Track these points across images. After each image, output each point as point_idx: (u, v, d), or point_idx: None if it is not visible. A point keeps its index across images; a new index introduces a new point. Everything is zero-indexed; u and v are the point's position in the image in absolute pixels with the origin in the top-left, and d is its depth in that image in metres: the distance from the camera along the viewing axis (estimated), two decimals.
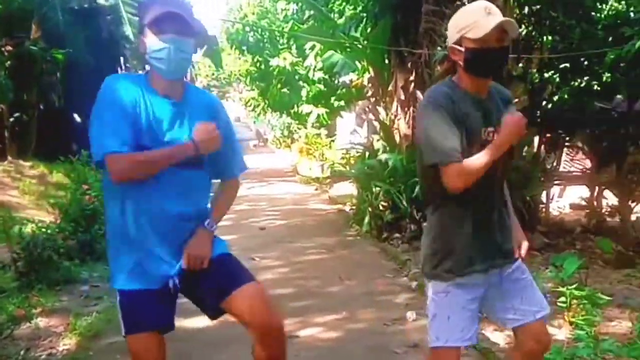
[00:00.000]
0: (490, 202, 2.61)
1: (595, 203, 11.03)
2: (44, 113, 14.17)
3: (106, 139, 2.36)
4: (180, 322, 3.03)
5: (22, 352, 4.49)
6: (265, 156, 28.30)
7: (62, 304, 5.77)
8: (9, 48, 13.56)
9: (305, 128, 23.25)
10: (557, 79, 9.69)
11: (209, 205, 2.79)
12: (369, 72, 12.07)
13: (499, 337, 4.66)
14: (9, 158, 13.35)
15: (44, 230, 6.98)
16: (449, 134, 2.41)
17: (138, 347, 2.57)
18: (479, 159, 2.40)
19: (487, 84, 2.59)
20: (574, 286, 5.18)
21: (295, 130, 27.23)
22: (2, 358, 4.38)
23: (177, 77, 2.53)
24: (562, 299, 5.07)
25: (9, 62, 13.41)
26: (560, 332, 4.81)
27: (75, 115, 15.63)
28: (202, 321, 4.46)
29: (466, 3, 9.32)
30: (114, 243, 2.61)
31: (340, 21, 12.64)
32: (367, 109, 13.02)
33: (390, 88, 10.60)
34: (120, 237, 2.56)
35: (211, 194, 2.88)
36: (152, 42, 2.41)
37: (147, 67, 2.59)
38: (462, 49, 2.47)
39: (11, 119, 13.75)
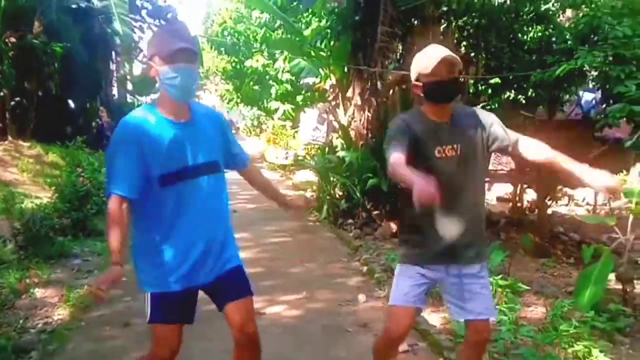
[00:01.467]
0: (457, 209, 2.72)
1: (517, 198, 11.32)
2: (42, 99, 13.85)
3: (116, 182, 2.42)
4: None
5: (21, 321, 4.45)
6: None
7: (56, 276, 5.70)
8: (13, 40, 13.18)
9: (273, 120, 23.16)
10: (489, 92, 9.89)
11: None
12: (331, 79, 12.09)
13: (435, 319, 4.75)
14: (9, 138, 13.02)
15: (42, 208, 6.84)
16: (395, 143, 2.59)
17: (160, 333, 2.62)
18: (398, 167, 2.47)
19: (447, 109, 2.72)
20: (499, 276, 5.32)
21: (263, 122, 27.07)
22: (4, 326, 4.32)
23: (188, 99, 2.54)
24: (490, 287, 5.20)
25: (12, 53, 13.04)
26: None
27: (70, 102, 15.35)
28: None
29: (416, 24, 9.48)
30: (144, 255, 2.60)
31: (307, 33, 12.57)
32: (327, 110, 13.02)
33: (348, 94, 10.64)
34: (159, 244, 2.54)
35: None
36: (166, 70, 2.40)
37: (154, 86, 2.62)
38: (420, 84, 2.68)
39: (12, 103, 13.39)
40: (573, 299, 4.97)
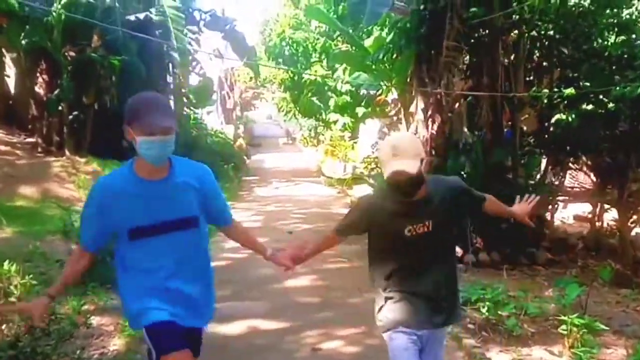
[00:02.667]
0: (428, 278, 2.96)
1: (597, 219, 10.97)
2: (98, 113, 14.38)
3: (82, 236, 2.85)
4: (214, 329, 3.16)
5: (78, 352, 4.61)
6: (293, 155, 28.33)
7: (112, 303, 5.88)
8: (72, 54, 13.78)
9: (331, 130, 23.30)
10: (564, 105, 9.66)
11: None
12: (392, 93, 12.10)
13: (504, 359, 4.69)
14: (67, 154, 13.55)
15: None
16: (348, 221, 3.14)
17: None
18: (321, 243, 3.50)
19: (417, 192, 2.85)
20: (575, 315, 5.18)
21: (321, 132, 27.26)
22: (61, 356, 4.50)
23: (162, 164, 2.71)
24: (563, 326, 5.08)
25: (70, 67, 13.62)
26: (560, 359, 4.80)
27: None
28: (236, 328, 4.57)
29: (486, 39, 9.38)
30: (129, 290, 2.83)
31: (368, 43, 12.61)
32: (388, 125, 13.04)
33: (411, 109, 10.62)
34: (137, 290, 2.78)
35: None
36: (142, 139, 2.56)
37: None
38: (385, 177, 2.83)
39: (70, 117, 13.95)
40: None
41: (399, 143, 2.81)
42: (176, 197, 2.73)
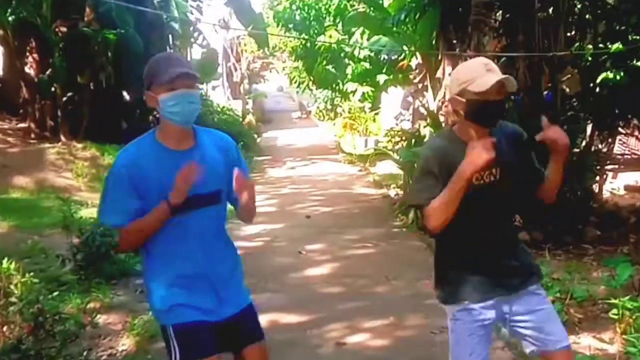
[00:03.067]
0: (492, 238, 2.82)
1: None
2: (94, 93, 14.41)
3: (107, 213, 2.74)
4: None
5: (85, 353, 4.69)
6: (308, 130, 28.29)
7: (119, 299, 6.00)
8: (63, 29, 13.78)
9: (349, 101, 23.23)
10: (611, 63, 9.54)
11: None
12: (417, 57, 12.01)
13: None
14: (62, 139, 13.62)
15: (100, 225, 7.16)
16: (425, 185, 2.74)
17: None
18: (439, 197, 2.66)
19: (486, 132, 2.71)
20: (627, 298, 5.15)
21: (339, 104, 27.20)
22: (67, 358, 4.59)
23: (189, 124, 2.73)
24: (614, 310, 5.06)
25: (62, 44, 13.63)
26: (611, 347, 4.80)
27: (125, 93, 15.86)
28: None
29: None
30: (155, 276, 2.80)
31: (387, 4, 12.50)
32: (413, 94, 12.97)
33: (438, 74, 10.56)
34: (163, 280, 2.77)
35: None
36: (165, 97, 2.60)
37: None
38: (464, 100, 2.66)
39: (64, 99, 14.00)
40: None
41: (487, 60, 2.74)
42: (206, 168, 2.69)
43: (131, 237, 2.71)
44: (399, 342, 4.95)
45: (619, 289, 5.85)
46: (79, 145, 13.36)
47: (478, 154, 2.55)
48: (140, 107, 14.86)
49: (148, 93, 2.67)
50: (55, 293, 5.66)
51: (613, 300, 5.13)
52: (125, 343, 4.96)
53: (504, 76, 2.63)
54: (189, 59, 19.21)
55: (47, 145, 13.22)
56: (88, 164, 12.21)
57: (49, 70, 13.72)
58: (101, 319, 5.42)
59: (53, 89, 13.87)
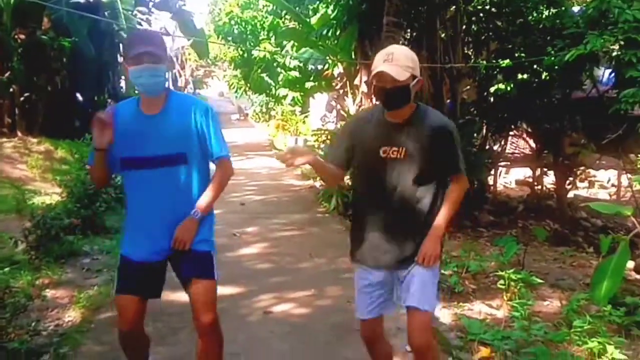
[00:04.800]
0: (390, 211, 2.79)
1: (536, 182, 11.23)
2: (50, 94, 13.94)
3: (91, 155, 2.90)
4: (170, 297, 3.13)
5: (33, 324, 4.48)
6: (246, 130, 27.97)
7: (67, 277, 5.73)
8: (22, 36, 13.30)
9: (282, 105, 23.12)
10: (502, 76, 9.81)
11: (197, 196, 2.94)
12: (338, 67, 12.04)
13: (446, 315, 4.76)
14: (19, 134, 13.12)
15: (52, 208, 6.88)
16: (338, 144, 2.97)
17: (119, 304, 2.94)
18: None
19: (400, 113, 2.73)
20: (512, 270, 5.29)
21: (272, 108, 27.02)
22: (16, 329, 4.36)
23: (153, 94, 2.80)
24: (502, 281, 5.19)
25: (21, 49, 13.14)
26: (499, 312, 4.91)
27: (78, 95, 15.42)
28: None
29: (424, 15, 9.39)
30: (127, 222, 2.99)
31: (315, 20, 12.48)
32: (335, 98, 13.00)
33: (356, 82, 10.63)
34: (129, 219, 2.96)
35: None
36: (132, 69, 2.72)
37: None
38: (373, 85, 2.74)
39: (21, 99, 13.48)
40: (589, 292, 4.94)
41: (393, 50, 2.70)
42: (167, 132, 2.78)
43: (93, 177, 3.06)
44: (319, 311, 4.92)
45: (507, 264, 6.02)
46: (34, 140, 12.83)
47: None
48: (92, 107, 14.44)
49: (123, 64, 2.81)
50: (7, 269, 5.43)
51: (501, 273, 5.27)
52: (72, 315, 4.73)
53: (380, 69, 2.62)
54: None
55: (4, 139, 12.62)
56: (42, 157, 11.71)
57: (8, 72, 13.18)
58: (49, 293, 5.21)
59: (11, 89, 13.41)
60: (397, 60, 2.62)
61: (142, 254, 2.89)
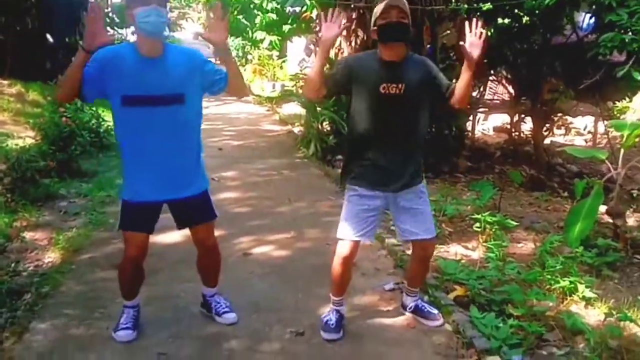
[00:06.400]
0: (391, 140, 3.19)
1: (514, 129, 11.34)
2: (19, 34, 13.51)
3: (83, 87, 2.91)
4: (152, 239, 3.24)
5: (13, 265, 4.55)
6: None
7: (44, 219, 5.75)
8: None
9: (259, 50, 22.76)
10: (483, 20, 9.72)
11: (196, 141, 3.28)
12: (317, 9, 11.83)
13: None
14: None
15: (27, 150, 6.82)
16: (335, 70, 3.25)
17: (127, 235, 3.22)
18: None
19: (398, 51, 3.11)
20: (487, 213, 5.44)
21: (249, 52, 26.59)
22: None
23: (158, 36, 2.98)
24: (478, 224, 5.33)
25: None
26: (474, 253, 5.04)
27: (48, 36, 14.97)
28: (172, 237, 4.58)
29: None
30: (125, 166, 3.18)
31: None
32: (314, 42, 12.82)
33: None
34: (128, 161, 3.15)
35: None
36: (139, 10, 2.86)
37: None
38: (375, 28, 3.08)
39: None
40: (563, 234, 5.10)
41: None
42: (167, 74, 2.99)
43: (62, 84, 2.94)
44: (299, 252, 5.02)
45: (483, 207, 6.15)
46: (5, 82, 12.50)
47: (327, 27, 3.01)
48: (63, 48, 14.08)
49: (128, 14, 2.91)
50: None
51: (477, 216, 5.41)
52: (51, 256, 4.78)
53: (390, 2, 3.01)
54: (109, 5, 18.25)
55: None
56: (13, 100, 11.44)
57: None
58: (28, 235, 5.25)
59: None
60: (399, 2, 3.04)
61: (144, 194, 3.13)
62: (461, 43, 3.04)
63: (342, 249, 3.34)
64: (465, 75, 3.09)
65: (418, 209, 3.31)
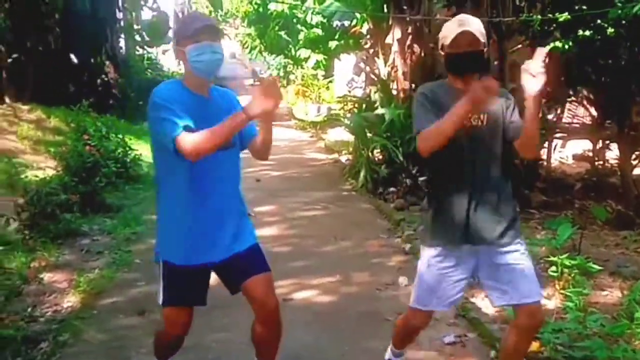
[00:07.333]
0: (480, 182, 2.95)
1: (597, 157, 11.08)
2: (42, 55, 14.04)
3: (170, 127, 2.76)
4: None
5: (29, 309, 4.66)
6: None
7: (64, 259, 5.92)
8: None
9: (302, 68, 23.13)
10: (558, 33, 9.65)
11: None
12: (368, 24, 12.00)
13: (488, 306, 4.81)
14: (7, 101, 13.26)
15: (47, 182, 7.07)
16: (426, 112, 2.90)
17: (169, 316, 3.08)
18: (437, 124, 2.78)
19: (473, 80, 2.83)
20: (565, 255, 5.32)
21: (292, 71, 27.03)
22: (12, 315, 4.54)
23: (212, 75, 2.96)
24: (554, 268, 5.22)
25: (7, 4, 13.24)
26: (550, 302, 4.93)
27: (73, 56, 15.54)
28: None
29: None
30: (166, 221, 3.04)
31: None
32: (364, 60, 12.97)
33: (388, 40, 10.59)
34: (171, 214, 3.01)
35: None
36: (191, 47, 2.84)
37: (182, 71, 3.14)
38: (443, 54, 2.96)
39: (9, 61, 13.61)
40: None
41: (466, 18, 2.94)
42: (221, 113, 2.88)
43: (204, 139, 2.74)
44: (345, 298, 5.01)
45: (560, 249, 6.02)
46: (25, 108, 12.98)
47: (478, 89, 2.63)
48: (88, 69, 14.61)
49: (177, 49, 2.93)
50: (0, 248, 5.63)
51: (553, 258, 5.30)
52: (71, 300, 4.90)
53: (464, 27, 2.84)
54: (137, 21, 18.88)
55: None
56: (33, 127, 11.87)
57: None
58: (46, 277, 5.39)
59: None
60: (472, 24, 2.87)
61: (198, 256, 2.99)
62: (523, 67, 2.78)
63: (417, 317, 3.22)
64: (529, 112, 2.80)
65: (518, 266, 2.95)
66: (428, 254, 3.07)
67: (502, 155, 2.99)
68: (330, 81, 22.15)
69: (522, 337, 3.06)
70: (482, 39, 2.88)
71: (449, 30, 2.89)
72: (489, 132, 2.91)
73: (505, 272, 2.95)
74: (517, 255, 2.95)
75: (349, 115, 12.78)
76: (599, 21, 8.91)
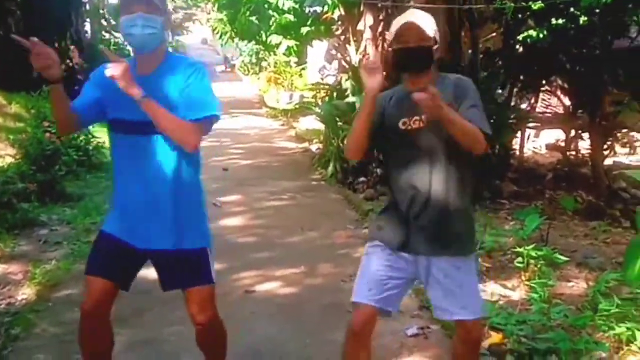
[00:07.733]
0: (424, 188, 2.76)
1: (569, 147, 11.18)
2: (2, 39, 13.77)
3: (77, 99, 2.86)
4: (143, 273, 3.13)
5: None
6: (232, 84, 27.89)
7: (20, 249, 5.84)
8: None
9: (275, 55, 23.02)
10: (532, 21, 9.70)
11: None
12: (340, 10, 11.96)
13: None
14: None
15: (4, 171, 6.96)
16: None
17: (88, 285, 2.88)
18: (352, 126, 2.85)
19: (424, 77, 2.73)
20: (532, 246, 5.36)
21: (264, 58, 26.90)
22: None
23: (145, 51, 2.79)
24: (520, 259, 5.26)
25: None
26: (515, 293, 4.97)
27: (35, 39, 15.26)
28: None
29: None
30: (113, 195, 2.99)
31: None
32: (336, 46, 12.93)
33: (359, 27, 10.56)
34: (115, 192, 2.96)
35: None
36: (125, 19, 2.69)
37: None
38: (391, 50, 2.78)
39: None
40: (621, 271, 5.00)
41: (416, 11, 2.85)
42: (157, 98, 2.70)
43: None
44: (309, 290, 5.01)
45: (527, 239, 6.07)
46: None
47: (369, 74, 2.64)
48: None
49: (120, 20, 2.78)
50: None
51: (519, 249, 5.34)
52: (26, 292, 4.83)
53: (408, 20, 2.69)
54: (103, 5, 18.63)
55: None
56: None
57: None
58: (1, 268, 5.31)
59: None
60: (419, 18, 2.73)
61: (125, 232, 2.87)
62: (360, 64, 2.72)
63: (353, 315, 2.93)
64: (444, 120, 2.60)
65: (457, 279, 2.83)
66: (369, 243, 2.97)
67: (451, 160, 2.77)
68: (303, 68, 22.09)
69: (465, 350, 3.02)
70: (432, 34, 2.71)
71: (395, 23, 2.74)
72: (432, 133, 2.72)
73: (441, 287, 2.83)
74: (455, 271, 2.81)
75: (320, 103, 12.76)
76: (572, 9, 8.97)
